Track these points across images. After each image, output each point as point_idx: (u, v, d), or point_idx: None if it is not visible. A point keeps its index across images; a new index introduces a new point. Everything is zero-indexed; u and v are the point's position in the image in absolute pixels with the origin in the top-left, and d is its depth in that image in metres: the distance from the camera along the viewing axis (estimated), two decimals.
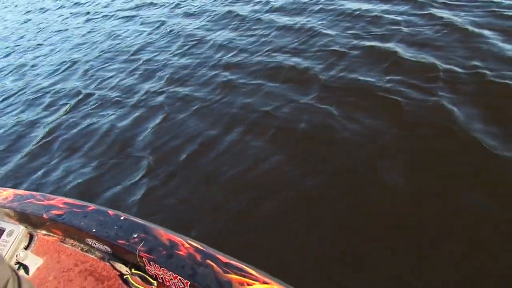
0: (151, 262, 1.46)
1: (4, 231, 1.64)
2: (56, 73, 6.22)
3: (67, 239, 1.73)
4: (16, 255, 1.59)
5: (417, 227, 2.23)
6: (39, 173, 3.64)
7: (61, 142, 4.12)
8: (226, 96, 4.01)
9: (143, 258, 1.48)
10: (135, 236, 1.53)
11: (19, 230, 1.63)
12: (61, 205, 1.74)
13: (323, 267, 2.16)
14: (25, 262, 1.60)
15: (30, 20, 10.60)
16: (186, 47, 5.60)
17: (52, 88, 5.68)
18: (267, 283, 1.29)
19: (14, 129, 4.76)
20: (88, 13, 9.40)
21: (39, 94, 5.59)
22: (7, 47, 8.68)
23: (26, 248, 1.66)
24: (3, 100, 5.84)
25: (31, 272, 1.62)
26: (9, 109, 5.45)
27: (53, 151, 3.99)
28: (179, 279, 1.40)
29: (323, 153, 2.91)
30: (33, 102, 5.41)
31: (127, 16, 8.13)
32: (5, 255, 1.55)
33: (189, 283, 1.38)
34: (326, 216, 2.43)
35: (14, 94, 5.92)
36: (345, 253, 2.22)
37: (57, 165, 3.69)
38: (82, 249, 1.68)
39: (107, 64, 5.92)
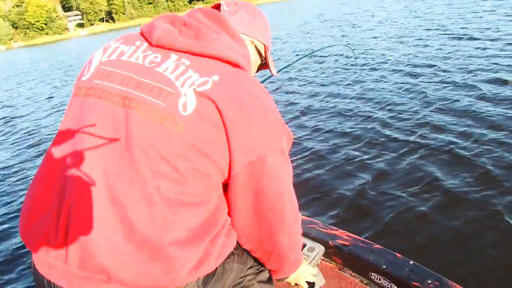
0: None
1: (305, 246, 1.90)
2: None
3: (345, 269, 1.93)
4: None
5: None
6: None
7: None
8: None
9: None
10: (429, 282, 1.65)
11: (320, 248, 1.88)
12: (345, 237, 1.96)
13: None
14: (314, 279, 1.82)
15: None
16: None
17: None
18: None
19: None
20: None
21: None
22: None
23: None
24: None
25: None
26: None
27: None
28: None
29: None
30: None
31: None
32: None
33: None
34: None
35: None
36: None
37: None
38: (361, 281, 1.85)
39: None
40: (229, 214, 1.14)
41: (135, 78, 1.02)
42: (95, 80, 1.08)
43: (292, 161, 1.17)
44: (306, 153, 4.65)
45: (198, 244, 1.00)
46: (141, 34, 1.14)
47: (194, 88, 0.97)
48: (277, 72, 1.48)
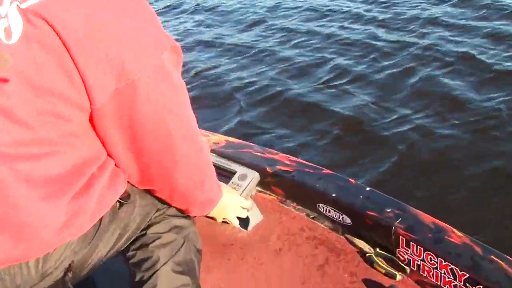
0: (410, 243, 1.27)
1: (235, 173, 1.50)
2: None
3: (288, 201, 1.58)
4: None
5: None
6: None
7: None
8: None
9: (400, 237, 1.29)
10: (389, 211, 1.35)
11: (254, 175, 1.49)
12: (287, 162, 1.60)
13: None
14: (248, 214, 1.45)
15: None
16: None
17: None
18: None
19: None
20: None
21: None
22: None
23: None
24: None
25: (250, 226, 1.48)
26: None
27: None
28: (452, 268, 1.20)
29: None
30: None
31: None
32: None
33: (466, 276, 1.18)
34: None
35: None
36: None
37: None
38: (307, 215, 1.52)
39: None
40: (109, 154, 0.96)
41: None
42: None
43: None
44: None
45: (59, 201, 0.84)
46: None
47: (17, 4, 0.74)
48: None
